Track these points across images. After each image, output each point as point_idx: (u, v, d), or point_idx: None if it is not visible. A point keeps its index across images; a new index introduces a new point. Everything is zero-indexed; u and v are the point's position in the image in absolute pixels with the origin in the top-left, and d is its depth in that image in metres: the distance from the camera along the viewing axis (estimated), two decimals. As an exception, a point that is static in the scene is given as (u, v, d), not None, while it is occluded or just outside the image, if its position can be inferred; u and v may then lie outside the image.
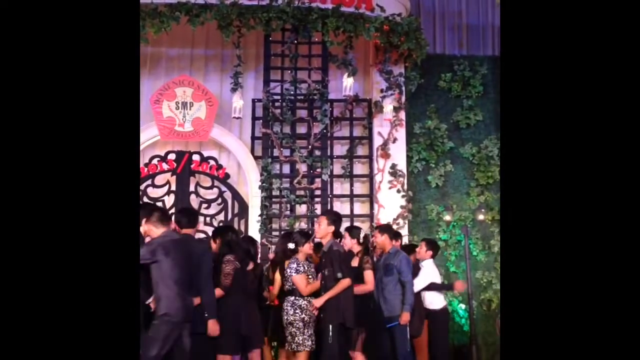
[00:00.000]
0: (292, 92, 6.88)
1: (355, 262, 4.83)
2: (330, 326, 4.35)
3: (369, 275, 4.78)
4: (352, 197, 7.05)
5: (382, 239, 4.94)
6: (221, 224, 6.79)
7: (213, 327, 4.02)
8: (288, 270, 4.62)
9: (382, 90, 6.94)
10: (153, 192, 6.84)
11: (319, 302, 4.43)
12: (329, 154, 6.95)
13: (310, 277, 4.63)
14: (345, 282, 4.43)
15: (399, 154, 6.96)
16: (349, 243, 4.92)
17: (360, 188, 7.18)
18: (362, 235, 4.99)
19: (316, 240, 5.08)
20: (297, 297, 4.55)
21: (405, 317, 4.62)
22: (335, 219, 4.63)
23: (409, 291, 4.68)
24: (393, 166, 6.91)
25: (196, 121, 6.83)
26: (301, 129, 6.97)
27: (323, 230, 4.58)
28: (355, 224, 6.71)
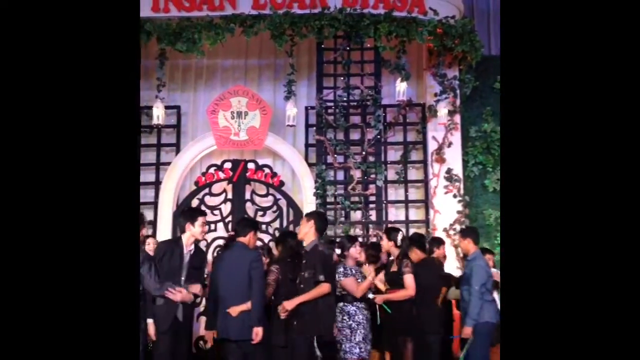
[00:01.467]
0: (345, 99, 6.89)
1: (394, 267, 4.69)
2: (314, 339, 3.99)
3: (409, 279, 4.53)
4: (407, 202, 6.98)
5: (464, 243, 4.68)
6: (276, 231, 6.87)
7: (257, 335, 3.98)
8: (337, 276, 4.58)
9: (436, 94, 6.84)
10: (210, 201, 6.99)
11: (290, 304, 4.00)
12: (383, 159, 6.90)
13: (359, 280, 4.56)
14: (325, 288, 4.01)
15: (454, 158, 6.85)
16: (386, 245, 4.77)
17: (415, 193, 7.10)
18: (400, 237, 4.79)
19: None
20: (345, 304, 4.49)
21: (466, 331, 4.37)
22: (315, 216, 4.31)
23: (472, 303, 4.40)
24: (448, 171, 6.80)
25: (251, 130, 6.94)
26: (355, 135, 6.96)
27: (302, 228, 4.29)
28: (411, 230, 6.65)
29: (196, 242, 4.34)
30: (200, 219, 4.23)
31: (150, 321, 4.02)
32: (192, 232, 4.19)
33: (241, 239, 4.30)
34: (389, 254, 4.95)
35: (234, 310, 3.99)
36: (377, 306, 4.59)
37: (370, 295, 4.53)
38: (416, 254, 4.87)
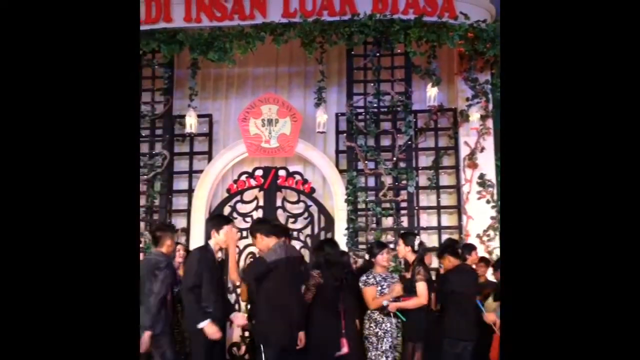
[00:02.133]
0: (375, 105, 6.87)
1: (408, 274, 4.62)
2: (262, 346, 3.95)
3: (421, 287, 4.42)
4: (439, 208, 6.91)
5: None
6: (308, 238, 6.88)
7: (301, 340, 4.08)
8: (359, 283, 4.58)
9: (467, 99, 6.77)
10: (242, 208, 7.04)
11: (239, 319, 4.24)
12: (414, 165, 6.86)
13: (381, 288, 4.52)
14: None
15: (487, 163, 6.75)
16: (402, 250, 4.67)
17: (447, 199, 7.02)
18: (417, 242, 4.69)
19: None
20: (372, 310, 4.48)
21: None
22: (256, 226, 4.31)
23: None
24: (481, 176, 6.71)
25: (281, 137, 6.97)
26: (385, 141, 6.93)
27: (258, 242, 4.29)
28: (444, 236, 6.58)
29: (223, 250, 4.37)
30: (225, 228, 4.23)
31: (207, 322, 3.90)
32: (216, 239, 4.20)
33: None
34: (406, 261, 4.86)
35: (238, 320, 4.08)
36: (392, 314, 4.53)
37: (385, 303, 4.47)
38: (449, 261, 4.81)
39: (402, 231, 5.81)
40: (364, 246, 6.49)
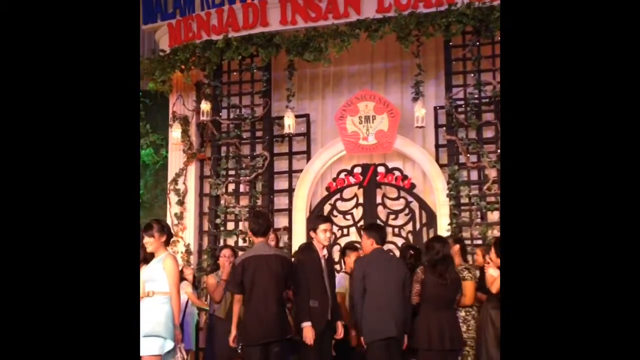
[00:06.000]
0: (476, 96, 6.64)
1: None
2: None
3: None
4: (548, 201, 6.56)
5: None
6: (409, 234, 6.79)
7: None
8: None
9: (576, 84, 6.38)
10: (342, 206, 7.07)
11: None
12: (520, 157, 6.56)
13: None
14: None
15: (600, 151, 6.33)
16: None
17: (557, 191, 6.65)
18: None
19: None
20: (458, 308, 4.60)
21: None
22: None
23: None
24: (594, 165, 6.30)
25: (379, 133, 6.92)
26: (488, 133, 6.68)
27: None
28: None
29: (328, 248, 4.52)
30: (321, 226, 4.36)
31: (308, 324, 4.13)
32: (317, 238, 4.36)
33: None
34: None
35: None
36: None
37: None
38: None
39: None
40: (469, 241, 6.31)
